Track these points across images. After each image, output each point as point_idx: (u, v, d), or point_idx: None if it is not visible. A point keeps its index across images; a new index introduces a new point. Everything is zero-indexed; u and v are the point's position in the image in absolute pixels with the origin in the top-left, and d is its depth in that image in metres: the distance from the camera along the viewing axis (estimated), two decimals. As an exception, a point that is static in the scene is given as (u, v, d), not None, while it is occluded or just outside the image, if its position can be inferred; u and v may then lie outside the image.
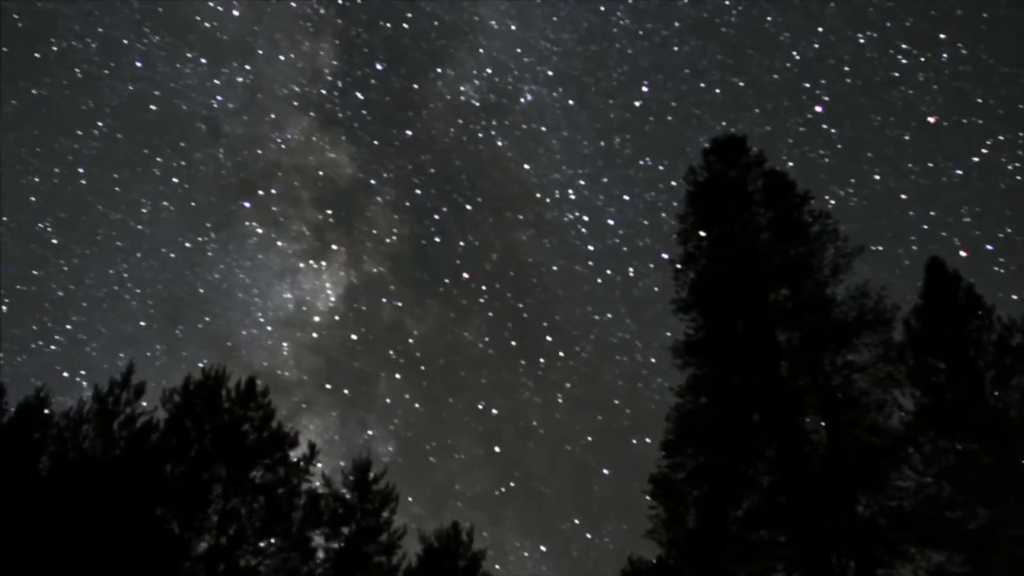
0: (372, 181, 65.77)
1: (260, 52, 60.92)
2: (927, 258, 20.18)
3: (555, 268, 65.24)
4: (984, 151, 47.65)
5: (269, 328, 56.67)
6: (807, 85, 55.29)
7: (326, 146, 64.00)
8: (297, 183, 62.94)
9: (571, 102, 65.28)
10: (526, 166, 66.30)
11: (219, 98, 60.56)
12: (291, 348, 56.59)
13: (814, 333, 18.29)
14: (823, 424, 17.77)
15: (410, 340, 62.31)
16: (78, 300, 52.89)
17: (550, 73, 64.32)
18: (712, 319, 19.27)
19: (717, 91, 59.11)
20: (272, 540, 20.27)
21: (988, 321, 18.61)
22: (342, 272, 61.91)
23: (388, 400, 57.46)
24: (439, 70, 66.24)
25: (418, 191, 66.11)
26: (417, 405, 57.36)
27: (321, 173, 63.58)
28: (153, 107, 58.61)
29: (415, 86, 66.37)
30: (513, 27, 62.48)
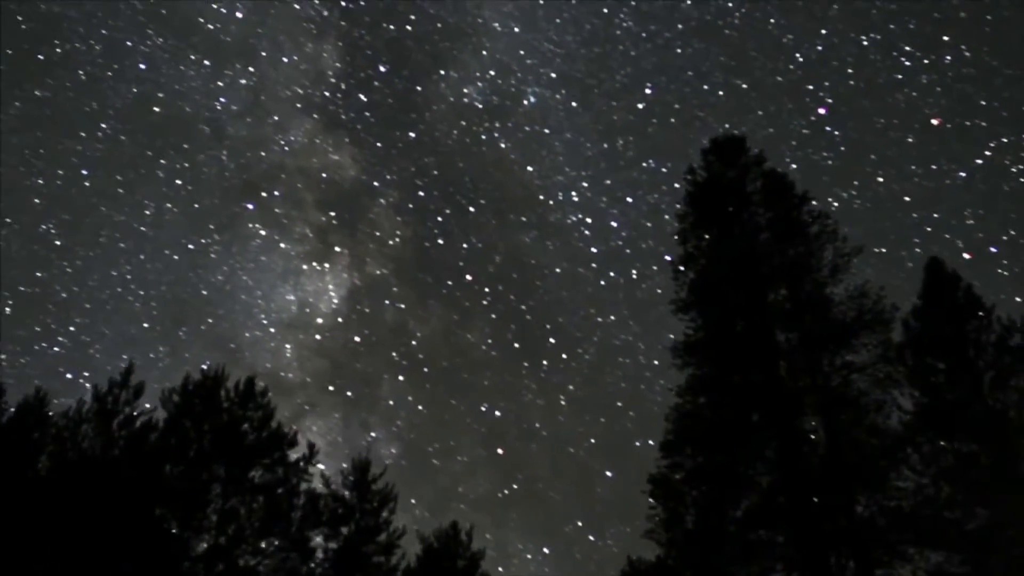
0: (375, 183, 65.81)
1: (263, 54, 60.97)
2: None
3: (558, 270, 65.37)
4: (988, 153, 47.65)
5: (272, 330, 56.73)
6: (810, 87, 55.40)
7: (329, 148, 64.03)
8: (300, 185, 63.00)
9: (574, 104, 65.36)
10: (529, 168, 66.33)
11: (223, 100, 60.60)
12: (294, 350, 56.64)
13: (813, 333, 18.30)
14: (822, 424, 17.79)
15: (413, 342, 62.37)
16: (81, 302, 52.95)
17: (553, 75, 64.38)
18: (711, 319, 19.28)
19: (720, 93, 59.18)
20: (271, 540, 20.27)
21: (987, 321, 18.60)
22: (345, 274, 62.00)
23: (391, 402, 57.56)
24: (442, 72, 66.30)
25: (421, 193, 66.15)
26: (420, 407, 57.39)
27: (324, 175, 63.65)
28: (157, 109, 58.62)
29: (418, 88, 66.49)
30: (516, 29, 62.54)
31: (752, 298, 19.04)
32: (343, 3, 62.38)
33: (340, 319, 59.70)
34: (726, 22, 57.73)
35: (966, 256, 42.74)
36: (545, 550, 46.52)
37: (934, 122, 50.96)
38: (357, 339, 59.64)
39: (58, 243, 54.09)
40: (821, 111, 53.86)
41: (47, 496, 17.73)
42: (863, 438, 17.42)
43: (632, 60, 61.20)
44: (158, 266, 58.36)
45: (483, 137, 65.23)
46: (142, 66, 57.60)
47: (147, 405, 20.21)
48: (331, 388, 55.83)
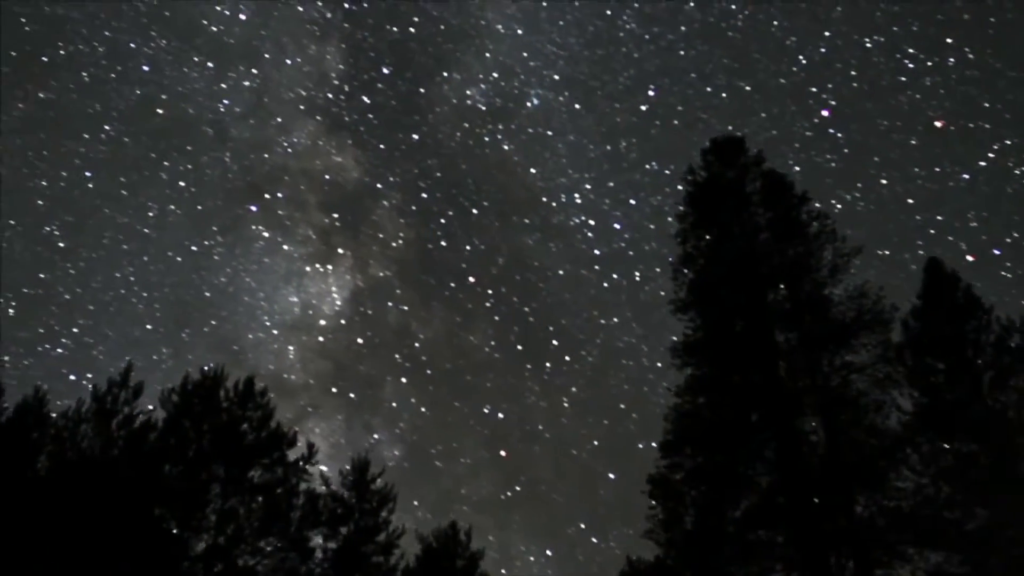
0: (378, 185, 65.78)
1: (267, 56, 60.98)
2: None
3: (561, 272, 65.30)
4: (991, 155, 47.64)
5: (275, 332, 56.68)
6: (813, 89, 55.36)
7: (332, 150, 63.98)
8: (303, 187, 62.97)
9: (577, 106, 65.34)
10: (532, 170, 66.37)
11: (226, 102, 60.59)
12: (297, 352, 56.62)
13: (812, 333, 18.29)
14: (822, 424, 17.78)
15: (416, 344, 62.34)
16: (84, 303, 52.95)
17: (556, 77, 64.36)
18: (711, 319, 19.28)
19: (723, 95, 59.08)
20: (270, 540, 20.26)
21: (987, 322, 18.61)
22: (348, 276, 61.94)
23: (394, 404, 57.51)
24: (445, 74, 66.40)
25: (424, 195, 66.02)
26: (423, 409, 57.33)
27: (327, 177, 63.65)
28: (160, 111, 58.57)
29: (421, 90, 66.47)
30: (519, 31, 62.51)
31: (751, 298, 19.04)
32: (346, 5, 62.41)
33: (343, 321, 59.71)
34: (729, 24, 57.75)
35: (969, 258, 42.65)
36: (548, 552, 46.56)
37: (937, 124, 50.97)
38: (360, 341, 59.67)
39: (61, 245, 54.15)
40: (824, 113, 53.86)
41: (46, 496, 17.71)
42: (862, 438, 17.42)
43: (635, 62, 61.16)
44: (161, 268, 58.47)
45: (486, 139, 65.24)
46: (145, 68, 57.63)
47: (150, 407, 20.30)
48: (334, 390, 55.87)
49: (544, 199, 64.77)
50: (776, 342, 18.61)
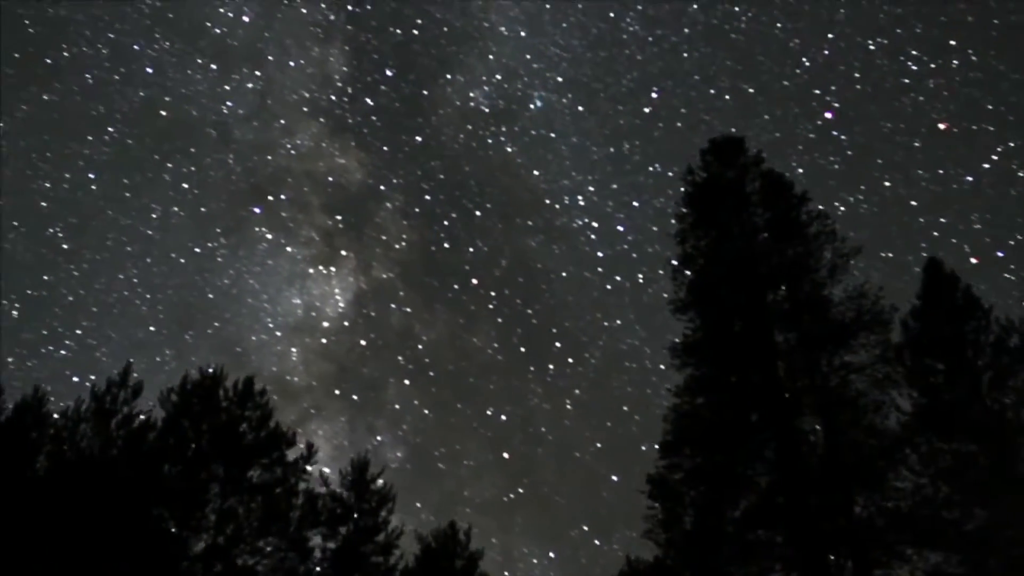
0: (381, 187, 65.74)
1: (270, 58, 61.06)
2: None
3: (564, 274, 65.32)
4: (995, 158, 47.62)
5: (278, 334, 56.62)
6: (817, 91, 55.40)
7: (336, 152, 63.99)
8: (307, 189, 62.96)
9: (580, 108, 65.29)
10: (535, 172, 66.43)
11: (229, 104, 60.70)
12: (300, 354, 56.50)
13: (812, 334, 18.29)
14: (821, 425, 17.78)
15: (419, 346, 62.29)
16: (88, 305, 52.97)
17: (559, 79, 64.33)
18: (710, 319, 19.28)
19: (727, 97, 59.05)
20: (269, 540, 20.26)
21: (986, 322, 18.61)
22: (351, 278, 61.93)
23: (397, 406, 57.43)
24: (448, 76, 66.44)
25: (427, 197, 66.00)
26: (426, 411, 57.28)
27: (331, 179, 63.64)
28: (163, 113, 58.59)
29: (425, 92, 66.46)
30: (523, 33, 62.58)
31: (751, 298, 19.04)
32: (350, 7, 62.47)
33: (346, 323, 59.59)
34: (733, 26, 57.75)
35: (973, 261, 42.61)
36: (551, 554, 46.49)
37: (941, 126, 50.96)
38: (363, 343, 59.62)
39: (65, 246, 54.28)
40: (828, 115, 53.84)
41: (45, 496, 17.71)
42: (861, 438, 17.41)
43: (638, 64, 61.16)
44: (164, 270, 58.63)
45: (489, 141, 65.20)
46: (149, 70, 57.65)
47: (151, 403, 20.31)
48: (337, 392, 55.90)
49: (547, 201, 64.86)
50: (775, 342, 18.61)
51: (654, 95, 60.83)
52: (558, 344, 62.60)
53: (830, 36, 54.80)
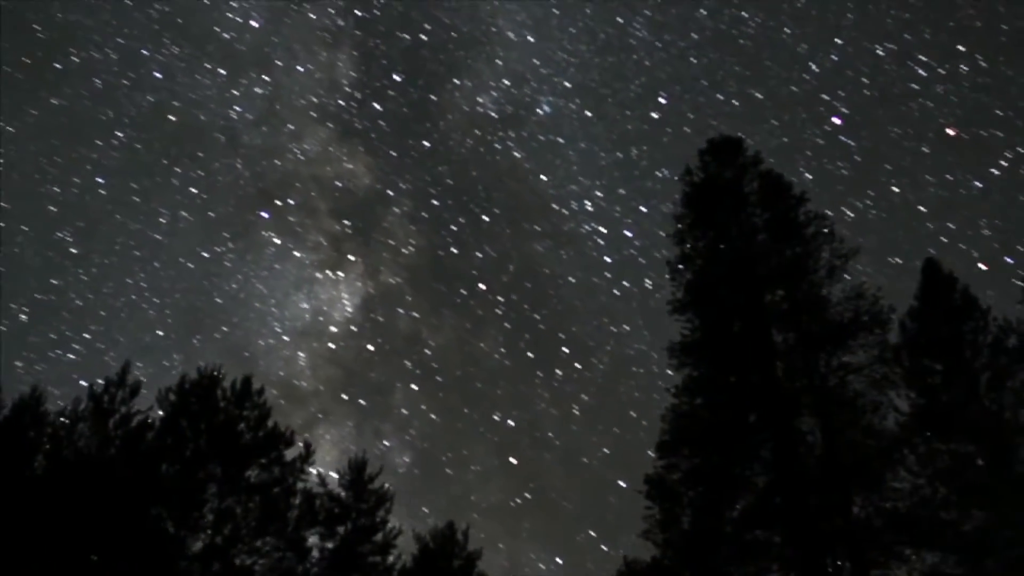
0: (389, 192, 65.95)
1: (279, 63, 61.22)
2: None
3: (572, 279, 65.41)
4: (1003, 163, 47.66)
5: (286, 338, 56.74)
6: (825, 97, 55.44)
7: (344, 157, 64.11)
8: (315, 193, 63.11)
9: (588, 113, 65.52)
10: (543, 177, 66.43)
11: (237, 109, 60.92)
12: (308, 358, 56.56)
13: (810, 334, 18.30)
14: (819, 425, 17.78)
15: (426, 351, 62.39)
16: (96, 309, 53.06)
17: (567, 84, 64.36)
18: (708, 320, 19.29)
19: (735, 103, 59.23)
20: (267, 539, 20.23)
21: (984, 323, 18.64)
22: (359, 282, 62.01)
23: (404, 411, 57.44)
24: (456, 81, 66.61)
25: (435, 202, 66.15)
26: (433, 416, 57.36)
27: (338, 184, 63.84)
28: (172, 117, 58.76)
29: (433, 97, 66.64)
30: (531, 38, 62.66)
31: (749, 298, 19.05)
32: (358, 12, 62.64)
33: (354, 327, 59.68)
34: (740, 32, 57.80)
35: (982, 266, 42.49)
36: (558, 559, 46.47)
37: (949, 132, 50.94)
38: (371, 348, 59.64)
39: (73, 251, 54.33)
40: (836, 121, 53.83)
41: (43, 495, 17.68)
42: (859, 439, 17.43)
43: (646, 69, 61.27)
44: (172, 274, 58.70)
45: (497, 146, 65.40)
46: (158, 75, 57.77)
47: (150, 404, 20.28)
48: (344, 396, 55.78)
49: (555, 206, 64.89)
50: (774, 342, 18.61)
51: (662, 100, 60.93)
52: (565, 349, 62.68)
53: (838, 41, 54.92)
